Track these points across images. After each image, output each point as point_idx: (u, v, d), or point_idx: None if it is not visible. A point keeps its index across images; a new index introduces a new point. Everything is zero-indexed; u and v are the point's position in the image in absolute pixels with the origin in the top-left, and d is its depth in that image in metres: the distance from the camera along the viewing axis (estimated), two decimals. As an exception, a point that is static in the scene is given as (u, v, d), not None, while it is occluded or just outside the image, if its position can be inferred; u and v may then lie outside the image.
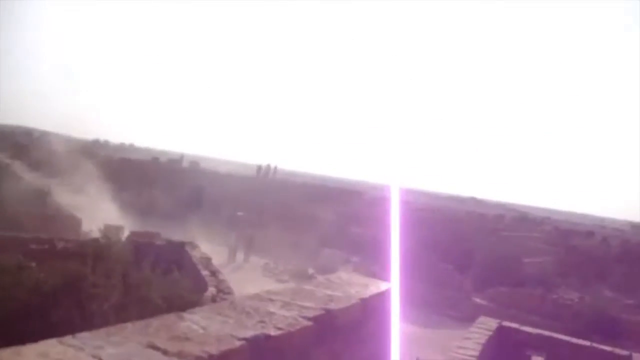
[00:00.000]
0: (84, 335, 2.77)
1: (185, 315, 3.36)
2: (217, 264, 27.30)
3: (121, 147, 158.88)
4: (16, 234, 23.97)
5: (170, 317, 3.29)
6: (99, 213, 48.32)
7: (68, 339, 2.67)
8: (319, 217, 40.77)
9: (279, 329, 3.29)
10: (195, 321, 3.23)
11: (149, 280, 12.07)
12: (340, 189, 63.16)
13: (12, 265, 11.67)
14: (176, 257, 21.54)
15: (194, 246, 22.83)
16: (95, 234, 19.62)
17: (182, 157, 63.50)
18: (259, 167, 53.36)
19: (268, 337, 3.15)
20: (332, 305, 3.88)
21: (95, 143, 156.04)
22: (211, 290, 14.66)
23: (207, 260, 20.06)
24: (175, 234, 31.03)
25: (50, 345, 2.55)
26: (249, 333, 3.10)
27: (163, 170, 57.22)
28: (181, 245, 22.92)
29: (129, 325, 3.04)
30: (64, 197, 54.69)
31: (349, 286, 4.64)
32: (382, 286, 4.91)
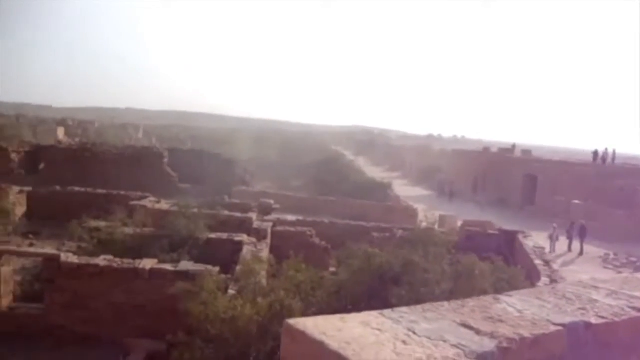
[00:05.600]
0: (403, 310, 2.96)
1: (502, 297, 3.34)
2: (553, 253, 26.15)
3: (454, 140, 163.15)
4: (362, 223, 26.45)
5: (487, 299, 3.31)
6: (435, 203, 50.57)
7: (388, 312, 2.90)
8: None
9: (602, 317, 3.06)
10: (511, 304, 3.20)
11: (479, 267, 12.19)
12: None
13: (361, 252, 12.89)
14: (509, 245, 21.32)
15: (527, 235, 22.26)
16: (429, 224, 20.39)
17: (514, 146, 61.76)
18: (596, 153, 48.74)
19: (588, 325, 2.95)
20: (670, 297, 3.45)
21: (430, 137, 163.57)
22: (544, 280, 14.14)
23: (540, 250, 19.39)
24: (508, 223, 30.65)
25: (372, 316, 2.81)
26: (567, 319, 2.95)
27: (493, 161, 56.81)
28: (514, 234, 22.58)
29: (445, 303, 3.15)
30: (402, 189, 58.53)
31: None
32: None
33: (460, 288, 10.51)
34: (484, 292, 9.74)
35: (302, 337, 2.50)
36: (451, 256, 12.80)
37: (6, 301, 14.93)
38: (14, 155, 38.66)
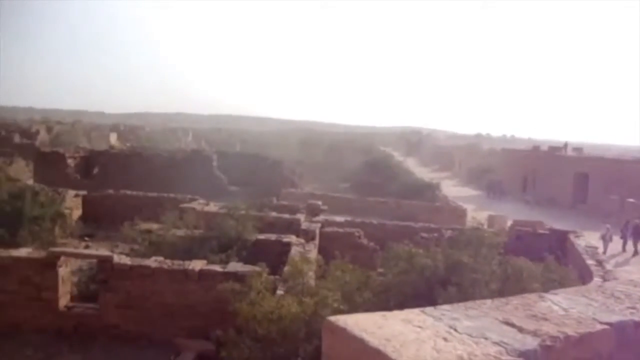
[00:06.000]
0: (445, 307, 2.95)
1: (547, 295, 3.30)
2: (606, 254, 25.38)
3: (503, 139, 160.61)
4: (410, 223, 26.31)
5: (531, 297, 3.27)
6: (485, 203, 49.87)
7: (430, 309, 2.89)
8: None
9: (652, 316, 2.98)
10: (556, 302, 3.15)
11: (528, 268, 11.97)
12: None
13: (405, 253, 12.83)
14: (560, 245, 20.84)
15: (579, 235, 21.72)
16: (478, 224, 20.13)
17: (566, 144, 60.26)
18: (651, 148, 47.27)
19: (638, 325, 2.89)
20: None
21: (478, 136, 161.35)
22: (596, 280, 13.77)
23: (592, 250, 18.88)
24: (559, 223, 29.95)
25: (414, 314, 2.81)
26: (615, 318, 2.89)
27: (543, 159, 55.60)
28: (565, 234, 22.09)
29: (488, 301, 3.13)
30: (451, 189, 57.88)
31: None
32: None
33: (509, 289, 10.33)
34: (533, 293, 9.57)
35: (342, 333, 2.52)
36: (500, 257, 12.61)
37: (64, 301, 15.42)
38: (70, 161, 39.91)
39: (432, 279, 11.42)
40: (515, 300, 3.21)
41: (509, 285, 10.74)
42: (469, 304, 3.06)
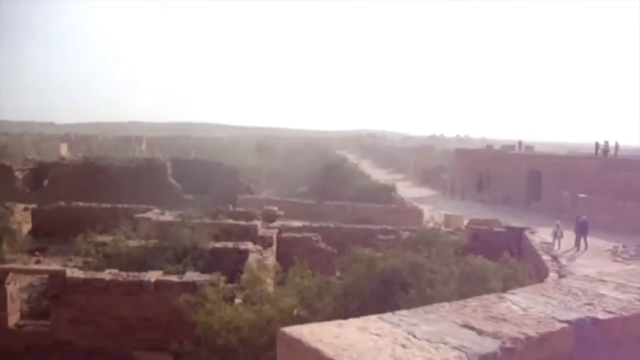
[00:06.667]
0: (403, 312, 2.86)
1: (506, 295, 3.24)
2: (559, 250, 25.93)
3: (457, 139, 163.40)
4: (368, 226, 26.36)
5: (490, 298, 3.21)
6: (441, 203, 50.47)
7: (388, 315, 2.80)
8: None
9: (609, 312, 2.96)
10: (515, 302, 3.10)
11: (486, 266, 12.07)
12: None
13: (365, 257, 12.80)
14: (516, 243, 21.17)
15: (533, 231, 22.13)
16: (435, 224, 20.27)
17: (520, 143, 61.57)
18: (597, 145, 48.45)
19: (595, 321, 2.86)
20: (680, 290, 3.34)
21: (432, 138, 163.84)
22: (552, 275, 14.02)
23: (547, 246, 19.27)
24: (515, 220, 30.45)
25: (370, 321, 2.71)
26: (573, 315, 2.85)
27: (497, 158, 56.62)
28: (520, 231, 22.46)
29: (446, 304, 3.06)
30: (407, 191, 58.41)
31: None
32: None
33: (469, 288, 10.39)
34: (493, 291, 9.62)
35: (297, 345, 2.41)
36: (458, 257, 12.68)
37: (14, 319, 14.91)
38: (17, 173, 38.73)
39: (391, 281, 11.40)
40: (474, 302, 3.15)
41: (468, 284, 10.79)
42: (428, 308, 2.98)
